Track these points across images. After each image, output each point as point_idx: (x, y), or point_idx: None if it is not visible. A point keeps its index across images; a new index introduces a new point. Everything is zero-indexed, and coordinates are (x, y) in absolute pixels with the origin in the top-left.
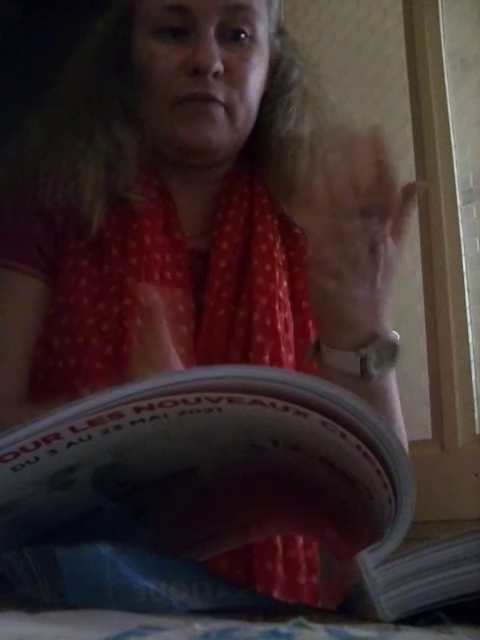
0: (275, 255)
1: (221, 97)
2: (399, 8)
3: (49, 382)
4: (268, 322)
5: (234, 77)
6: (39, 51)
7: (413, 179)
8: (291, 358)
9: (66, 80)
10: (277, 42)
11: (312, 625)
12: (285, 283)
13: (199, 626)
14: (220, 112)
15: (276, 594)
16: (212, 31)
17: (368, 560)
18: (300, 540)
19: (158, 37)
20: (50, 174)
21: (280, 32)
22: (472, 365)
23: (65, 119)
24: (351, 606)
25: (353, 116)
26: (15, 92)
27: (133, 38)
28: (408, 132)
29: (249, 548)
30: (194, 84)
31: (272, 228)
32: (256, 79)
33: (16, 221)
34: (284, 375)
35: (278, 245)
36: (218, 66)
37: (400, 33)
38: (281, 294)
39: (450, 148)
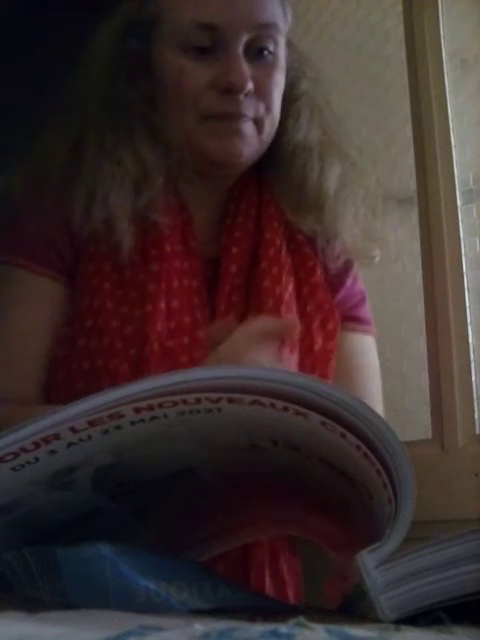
0: (282, 259)
1: (250, 113)
2: (399, 8)
3: (73, 382)
4: None
5: (261, 93)
6: (42, 50)
7: (413, 179)
8: (295, 357)
9: (80, 90)
10: (287, 53)
11: (312, 625)
12: (291, 286)
13: (199, 626)
14: (249, 127)
15: None
16: (241, 49)
17: (368, 560)
18: (286, 551)
19: (186, 53)
20: (81, 200)
21: (288, 44)
22: (472, 365)
23: (88, 135)
24: (351, 606)
25: (353, 116)
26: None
27: (156, 51)
28: (408, 132)
29: (244, 562)
30: (225, 102)
31: (279, 234)
32: (279, 93)
33: (34, 225)
34: (283, 375)
35: (285, 250)
36: (250, 86)
37: (400, 33)
38: (287, 297)
39: (450, 148)
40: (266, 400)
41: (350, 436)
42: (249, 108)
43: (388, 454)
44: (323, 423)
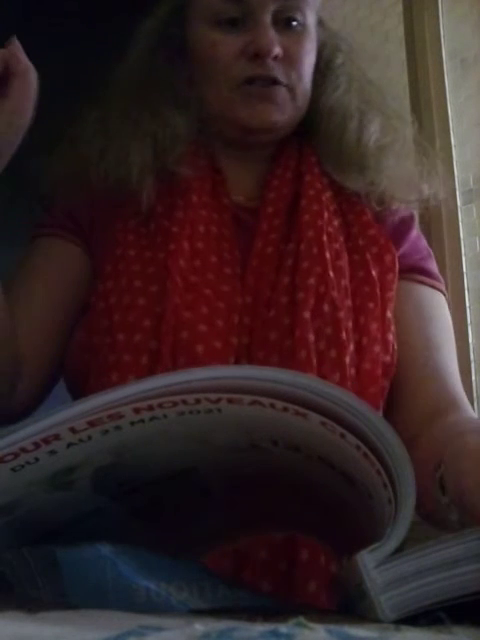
0: (323, 199)
1: (282, 78)
2: (399, 8)
3: (91, 321)
4: (315, 251)
5: (291, 59)
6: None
7: None
8: (344, 282)
9: (121, 77)
10: (319, 31)
11: (312, 625)
12: (336, 222)
13: (199, 626)
14: (282, 92)
15: None
16: (268, 18)
17: (368, 560)
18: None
19: (217, 27)
20: (101, 161)
21: (319, 22)
22: (472, 365)
23: (116, 111)
24: (351, 606)
25: None
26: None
27: (190, 29)
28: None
29: (290, 540)
30: (255, 66)
31: (320, 179)
32: (310, 62)
33: (63, 200)
34: (283, 375)
35: (328, 194)
36: (277, 49)
37: (400, 33)
38: (330, 229)
39: (450, 148)
40: (266, 400)
41: (350, 436)
42: (279, 72)
43: (388, 454)
44: (323, 423)
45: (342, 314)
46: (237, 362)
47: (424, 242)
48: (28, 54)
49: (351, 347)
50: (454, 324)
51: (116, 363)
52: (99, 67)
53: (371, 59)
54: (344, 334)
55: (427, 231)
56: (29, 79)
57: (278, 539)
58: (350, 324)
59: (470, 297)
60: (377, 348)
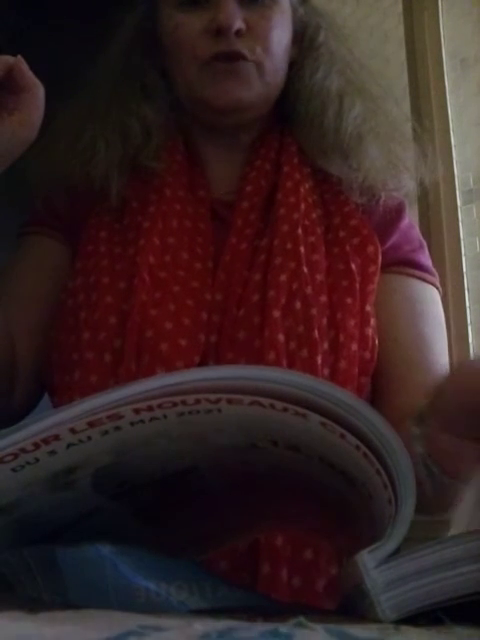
0: (301, 191)
1: (247, 53)
2: (399, 8)
3: (59, 318)
4: (289, 246)
5: (257, 33)
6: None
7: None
8: (319, 277)
9: (96, 72)
10: (301, 10)
11: (312, 625)
12: (314, 215)
13: (199, 626)
14: (248, 67)
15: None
16: None
17: (368, 560)
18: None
19: (181, 8)
20: (71, 159)
21: (303, 1)
22: None
23: (87, 107)
24: (351, 606)
25: None
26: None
27: (158, 15)
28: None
29: (253, 551)
30: (217, 43)
31: (299, 169)
32: (280, 36)
33: (43, 196)
34: (283, 376)
35: (307, 185)
36: (239, 24)
37: (400, 33)
38: (307, 222)
39: (450, 148)
40: (265, 401)
41: (349, 436)
42: (244, 47)
43: (388, 454)
44: (323, 423)
45: (315, 311)
46: (203, 361)
47: (416, 232)
48: (23, 54)
49: (325, 345)
50: (454, 324)
51: (79, 361)
52: (94, 64)
53: (371, 59)
54: (316, 332)
55: (427, 231)
56: (38, 94)
57: (241, 548)
58: (325, 321)
59: (470, 297)
60: (354, 346)
